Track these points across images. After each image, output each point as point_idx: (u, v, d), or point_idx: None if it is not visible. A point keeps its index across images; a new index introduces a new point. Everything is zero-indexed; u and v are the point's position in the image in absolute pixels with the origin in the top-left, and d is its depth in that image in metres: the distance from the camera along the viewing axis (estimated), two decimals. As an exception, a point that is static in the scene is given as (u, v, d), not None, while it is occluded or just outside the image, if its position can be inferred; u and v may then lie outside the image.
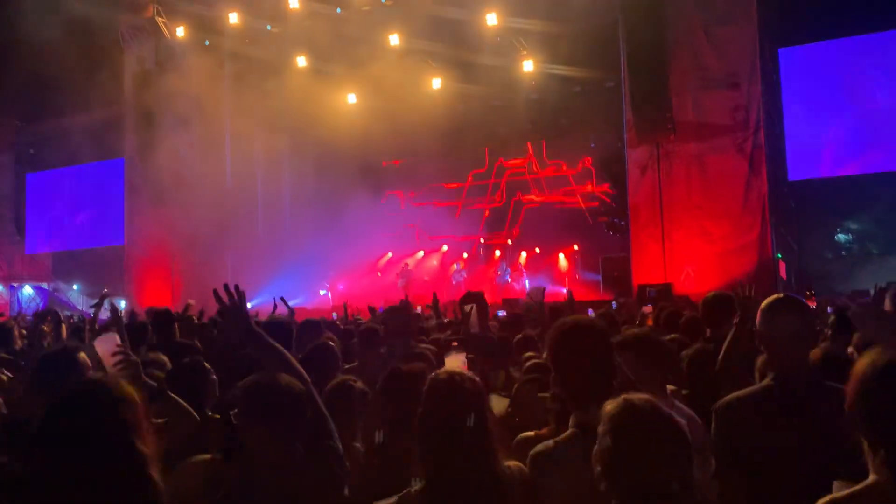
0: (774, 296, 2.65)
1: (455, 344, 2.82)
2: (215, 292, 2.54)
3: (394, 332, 4.69)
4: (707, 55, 13.68)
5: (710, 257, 13.32)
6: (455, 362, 2.65)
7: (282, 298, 7.33)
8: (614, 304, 11.93)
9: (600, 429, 1.83)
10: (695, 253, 13.48)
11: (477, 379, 2.21)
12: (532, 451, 2.28)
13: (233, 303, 2.52)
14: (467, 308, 4.64)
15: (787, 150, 15.21)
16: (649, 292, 12.92)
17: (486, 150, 20.47)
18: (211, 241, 17.41)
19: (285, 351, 2.50)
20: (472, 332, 4.50)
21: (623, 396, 1.85)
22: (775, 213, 13.86)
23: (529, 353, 4.41)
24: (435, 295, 6.18)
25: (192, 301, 7.89)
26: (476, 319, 4.59)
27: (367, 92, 17.33)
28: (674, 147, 13.87)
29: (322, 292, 19.35)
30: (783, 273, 14.03)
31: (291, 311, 6.99)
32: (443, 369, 2.22)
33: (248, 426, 2.25)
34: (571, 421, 2.26)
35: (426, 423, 2.10)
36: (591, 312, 9.10)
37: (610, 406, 1.84)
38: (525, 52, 16.13)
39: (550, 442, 2.28)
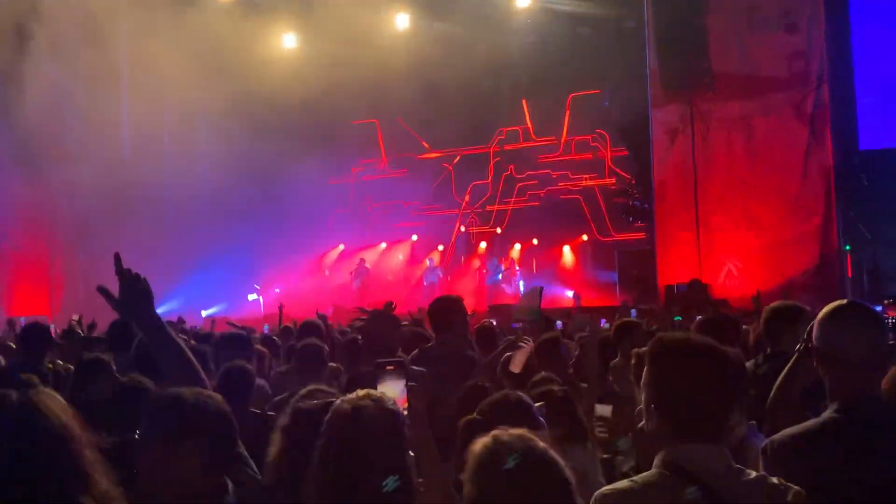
0: (837, 303, 2.66)
1: (391, 368, 2.87)
2: (116, 256, 2.73)
3: (377, 345, 4.72)
4: (756, -13, 13.81)
5: (757, 251, 13.43)
6: (390, 391, 2.69)
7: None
8: (633, 313, 11.99)
9: (466, 472, 2.02)
10: (738, 245, 13.59)
11: (394, 407, 2.30)
12: (600, 492, 2.31)
13: (132, 276, 2.72)
14: (520, 350, 4.68)
15: (859, 111, 15.34)
16: (678, 289, 12.95)
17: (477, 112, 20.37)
18: (103, 227, 17.18)
19: (187, 349, 2.69)
20: (513, 370, 4.59)
21: (492, 434, 2.03)
22: (843, 192, 14.00)
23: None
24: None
25: (75, 316, 7.95)
26: (522, 358, 4.64)
27: (311, 33, 17.21)
28: (712, 107, 13.97)
29: (251, 297, 19.25)
30: (851, 271, 14.19)
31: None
32: (348, 396, 2.31)
33: (153, 448, 2.32)
34: (659, 459, 2.27)
35: (323, 456, 2.21)
36: (604, 323, 9.14)
37: (479, 444, 2.03)
38: (519, -18, 16.15)
39: (627, 482, 2.31)
